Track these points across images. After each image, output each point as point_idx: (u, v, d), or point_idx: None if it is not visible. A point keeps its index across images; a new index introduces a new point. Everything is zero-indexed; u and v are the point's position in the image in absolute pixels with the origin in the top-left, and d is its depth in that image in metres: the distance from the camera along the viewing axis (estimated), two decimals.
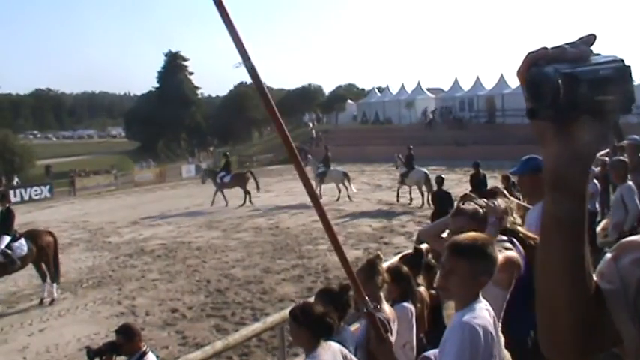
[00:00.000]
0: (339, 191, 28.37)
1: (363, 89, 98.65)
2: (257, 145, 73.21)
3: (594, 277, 1.33)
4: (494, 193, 5.40)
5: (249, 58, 3.06)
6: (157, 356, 6.48)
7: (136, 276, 15.86)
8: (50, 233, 15.10)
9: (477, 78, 56.03)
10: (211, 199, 28.52)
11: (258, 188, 29.53)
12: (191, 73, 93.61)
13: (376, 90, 67.43)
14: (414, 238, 17.19)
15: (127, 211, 28.74)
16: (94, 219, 26.71)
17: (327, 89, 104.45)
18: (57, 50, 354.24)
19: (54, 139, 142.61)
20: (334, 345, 4.06)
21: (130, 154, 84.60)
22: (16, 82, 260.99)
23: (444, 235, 4.84)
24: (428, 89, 61.90)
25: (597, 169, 13.09)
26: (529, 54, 1.17)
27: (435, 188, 18.39)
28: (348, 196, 27.84)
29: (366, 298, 3.68)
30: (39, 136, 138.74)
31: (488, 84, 54.96)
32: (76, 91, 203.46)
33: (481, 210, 4.38)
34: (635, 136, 10.88)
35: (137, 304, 13.42)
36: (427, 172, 25.36)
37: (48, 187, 40.06)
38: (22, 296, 14.57)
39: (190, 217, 25.65)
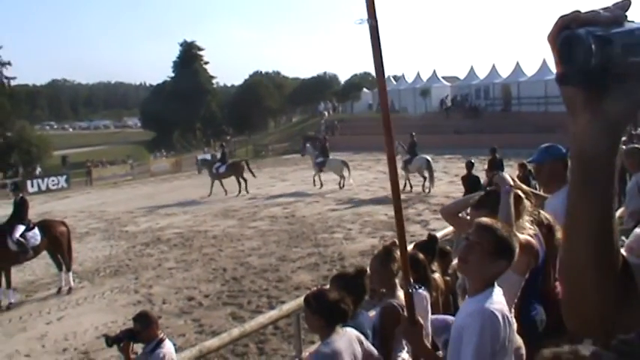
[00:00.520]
0: (341, 178, 28.50)
1: None
2: (273, 134, 73.31)
3: (623, 251, 1.31)
4: None
5: (374, 16, 3.04)
6: (174, 344, 6.51)
7: (152, 265, 15.93)
8: (63, 223, 15.17)
9: (493, 66, 55.76)
10: (210, 190, 28.70)
11: (254, 176, 29.92)
12: (206, 63, 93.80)
13: (392, 79, 67.06)
14: (430, 226, 17.24)
15: (143, 200, 28.87)
16: (110, 208, 26.86)
17: (343, 78, 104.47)
18: (72, 41, 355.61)
19: (70, 129, 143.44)
20: (350, 331, 4.07)
21: (145, 144, 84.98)
22: (33, 73, 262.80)
23: (463, 215, 4.83)
24: (443, 77, 61.63)
25: None
26: (561, 17, 1.14)
27: (466, 172, 18.45)
28: (342, 185, 28.17)
29: (410, 278, 3.67)
30: (55, 126, 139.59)
31: (504, 72, 54.70)
32: (92, 81, 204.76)
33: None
34: None
35: (154, 293, 13.48)
36: (429, 158, 25.51)
37: (65, 177, 40.31)
38: (40, 285, 14.69)
39: (206, 206, 25.70)
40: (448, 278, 6.11)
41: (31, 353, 10.47)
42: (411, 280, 3.72)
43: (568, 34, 1.11)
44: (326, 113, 67.15)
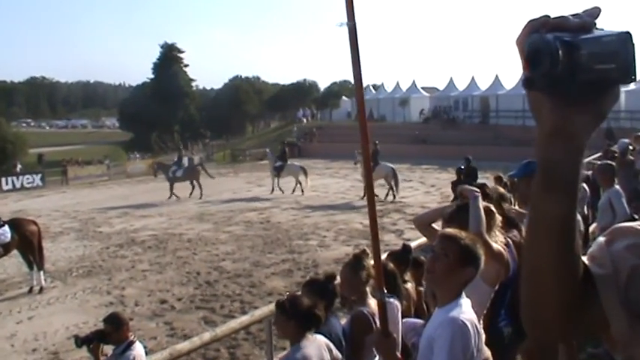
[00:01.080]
0: (296, 184, 29.08)
1: None
2: (251, 139, 73.11)
3: (585, 259, 1.33)
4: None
5: (353, 18, 3.10)
6: (145, 346, 6.50)
7: (126, 266, 15.87)
8: (34, 222, 15.04)
9: (472, 78, 56.00)
10: (170, 194, 28.82)
11: (212, 177, 30.95)
12: (186, 66, 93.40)
13: (371, 87, 67.14)
14: (405, 235, 17.31)
15: (118, 201, 28.69)
16: (85, 208, 26.66)
17: (322, 85, 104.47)
18: (52, 38, 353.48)
19: (47, 127, 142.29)
20: (319, 338, 4.10)
21: (123, 145, 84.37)
22: (11, 69, 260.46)
23: (436, 226, 4.88)
24: (423, 88, 61.88)
25: (588, 172, 13.11)
26: (530, 21, 1.15)
27: (456, 178, 18.72)
28: (301, 190, 28.60)
29: (383, 288, 3.71)
30: (32, 124, 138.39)
31: (483, 84, 54.95)
32: (71, 80, 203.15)
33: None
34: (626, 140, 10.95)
35: (126, 295, 13.44)
36: (393, 167, 26.05)
37: (40, 175, 39.92)
38: (11, 284, 14.58)
39: (182, 208, 25.62)
40: (422, 288, 6.15)
41: None
42: (385, 290, 3.76)
43: (536, 38, 1.12)
44: (304, 120, 67.25)
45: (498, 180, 14.41)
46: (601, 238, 1.39)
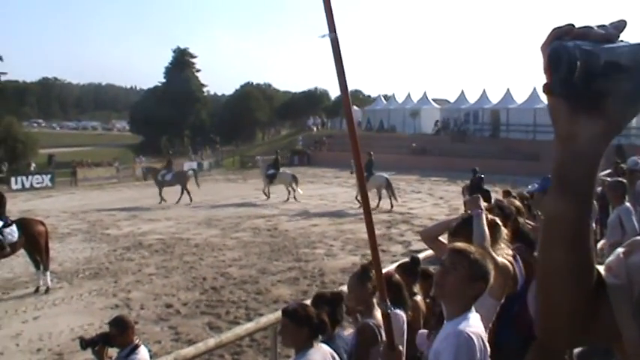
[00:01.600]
0: (288, 192, 29.91)
1: (369, 96, 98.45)
2: (260, 146, 73.16)
3: (601, 269, 1.34)
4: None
5: (334, 31, 3.16)
6: (150, 350, 6.50)
7: (132, 269, 15.89)
8: (42, 223, 15.07)
9: (484, 91, 55.78)
10: (159, 197, 29.12)
11: (198, 186, 30.97)
12: (198, 71, 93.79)
13: (382, 98, 67.06)
14: (412, 247, 17.28)
15: (126, 204, 28.77)
16: (93, 210, 26.74)
17: (334, 94, 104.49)
18: (65, 40, 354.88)
19: (58, 128, 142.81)
20: (325, 347, 4.09)
21: (133, 148, 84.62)
22: (23, 69, 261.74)
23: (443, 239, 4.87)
24: (434, 100, 61.71)
25: (597, 189, 13.02)
26: (555, 28, 1.17)
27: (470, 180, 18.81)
28: (295, 198, 29.45)
29: (386, 299, 3.71)
30: (43, 124, 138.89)
31: (494, 98, 54.76)
32: (83, 82, 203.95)
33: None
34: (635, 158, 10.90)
35: (132, 298, 13.45)
36: (387, 176, 26.40)
37: (49, 176, 40.03)
38: (18, 283, 14.62)
39: (190, 213, 25.65)
40: (429, 300, 6.13)
41: (4, 351, 10.40)
42: (388, 301, 3.76)
43: (557, 45, 1.14)
44: (314, 128, 67.27)
45: (507, 194, 14.39)
46: (620, 249, 1.39)
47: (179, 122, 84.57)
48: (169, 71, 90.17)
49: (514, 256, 4.61)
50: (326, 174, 39.77)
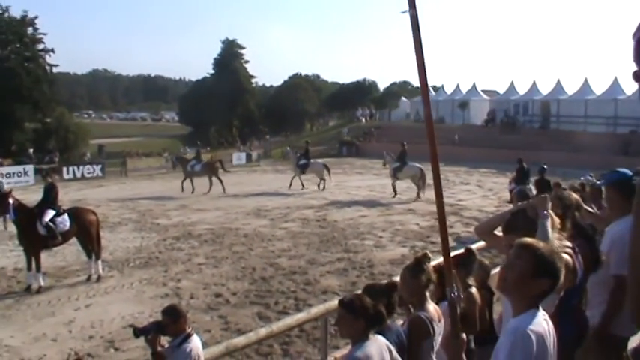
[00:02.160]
0: (321, 181, 30.36)
1: (417, 87, 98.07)
2: (309, 137, 73.42)
3: None
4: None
5: (414, 7, 3.16)
6: (201, 339, 6.51)
7: (182, 259, 16.02)
8: (93, 212, 15.29)
9: (534, 82, 55.08)
10: (181, 187, 29.87)
11: (226, 171, 32.05)
12: (246, 62, 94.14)
13: (431, 89, 66.67)
14: (461, 238, 17.13)
15: (176, 194, 29.10)
16: (143, 200, 27.13)
17: (382, 85, 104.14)
18: (115, 31, 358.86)
19: (108, 119, 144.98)
20: (380, 338, 4.04)
21: (181, 139, 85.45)
22: (74, 61, 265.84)
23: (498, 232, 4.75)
24: (483, 91, 61.15)
25: None
26: None
27: (538, 177, 18.52)
28: (323, 188, 30.06)
29: (454, 286, 3.65)
30: (93, 115, 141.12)
31: (545, 89, 54.04)
32: (132, 73, 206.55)
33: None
34: None
35: (182, 287, 13.56)
36: (422, 167, 26.09)
37: (100, 166, 40.61)
38: (70, 271, 14.84)
39: (238, 204, 25.81)
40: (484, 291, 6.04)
41: (57, 337, 10.56)
42: (454, 285, 3.71)
43: None
44: (363, 119, 67.18)
45: (557, 187, 14.18)
46: None
47: (227, 113, 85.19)
48: (218, 63, 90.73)
49: (574, 249, 4.49)
50: (375, 165, 39.54)
